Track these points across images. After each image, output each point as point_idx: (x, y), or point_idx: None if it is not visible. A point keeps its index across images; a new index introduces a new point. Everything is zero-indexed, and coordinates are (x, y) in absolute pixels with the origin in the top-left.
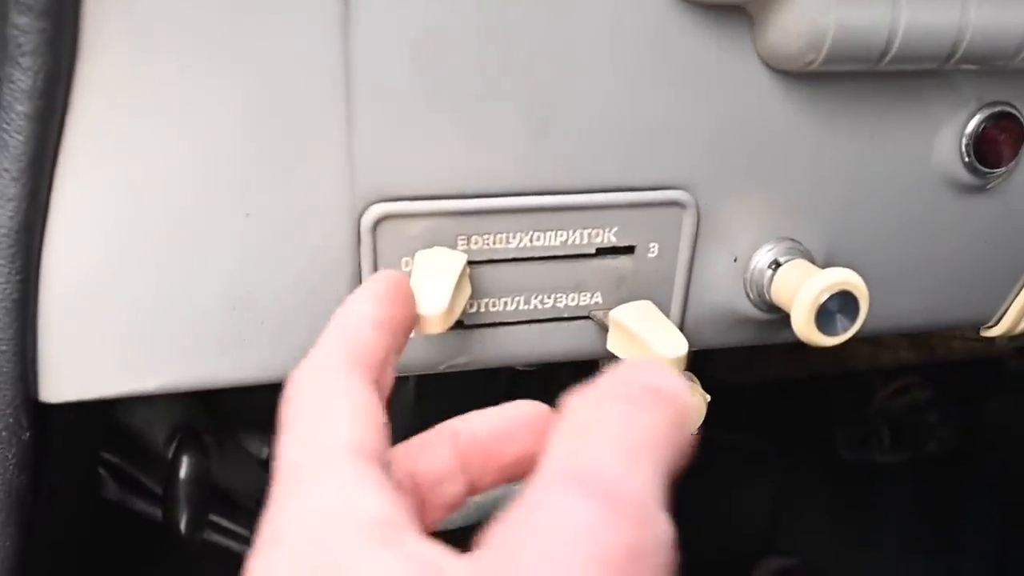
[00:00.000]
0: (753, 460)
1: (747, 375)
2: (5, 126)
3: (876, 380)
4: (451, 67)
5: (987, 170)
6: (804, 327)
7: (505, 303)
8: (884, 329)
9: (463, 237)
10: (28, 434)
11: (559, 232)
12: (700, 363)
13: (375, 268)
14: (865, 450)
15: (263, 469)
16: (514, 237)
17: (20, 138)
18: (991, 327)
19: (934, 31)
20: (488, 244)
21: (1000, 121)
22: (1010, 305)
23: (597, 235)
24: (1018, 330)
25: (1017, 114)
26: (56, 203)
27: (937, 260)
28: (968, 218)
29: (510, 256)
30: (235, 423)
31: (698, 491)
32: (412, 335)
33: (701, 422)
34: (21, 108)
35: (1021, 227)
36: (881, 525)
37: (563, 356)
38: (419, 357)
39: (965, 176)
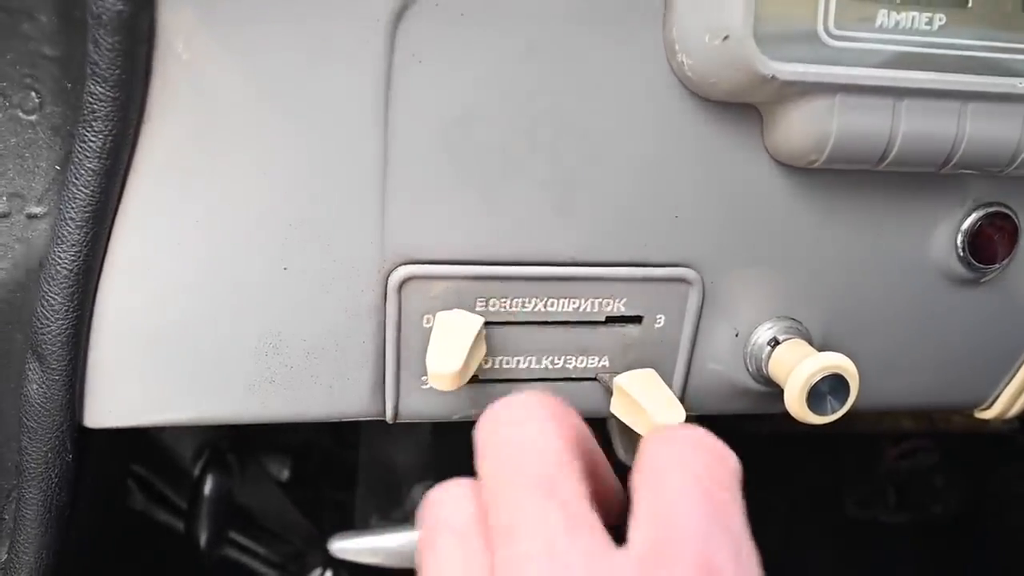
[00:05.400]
0: (759, 511)
1: (759, 426)
2: (75, 180)
3: (885, 441)
4: (480, 147)
5: (982, 266)
6: (796, 405)
7: (518, 362)
8: (879, 407)
9: (482, 299)
10: (71, 456)
11: (572, 300)
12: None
13: (399, 323)
14: (871, 509)
15: (283, 491)
16: (529, 302)
17: (87, 191)
18: (985, 409)
19: (931, 140)
20: (505, 307)
21: (995, 220)
22: (1003, 389)
23: (607, 304)
24: (1011, 413)
25: (1012, 214)
26: (113, 250)
27: (932, 346)
28: (963, 308)
29: (525, 319)
30: (259, 446)
31: None
32: (428, 387)
33: None
34: (90, 165)
35: (1015, 317)
36: None
37: None
38: (435, 407)
39: (961, 270)
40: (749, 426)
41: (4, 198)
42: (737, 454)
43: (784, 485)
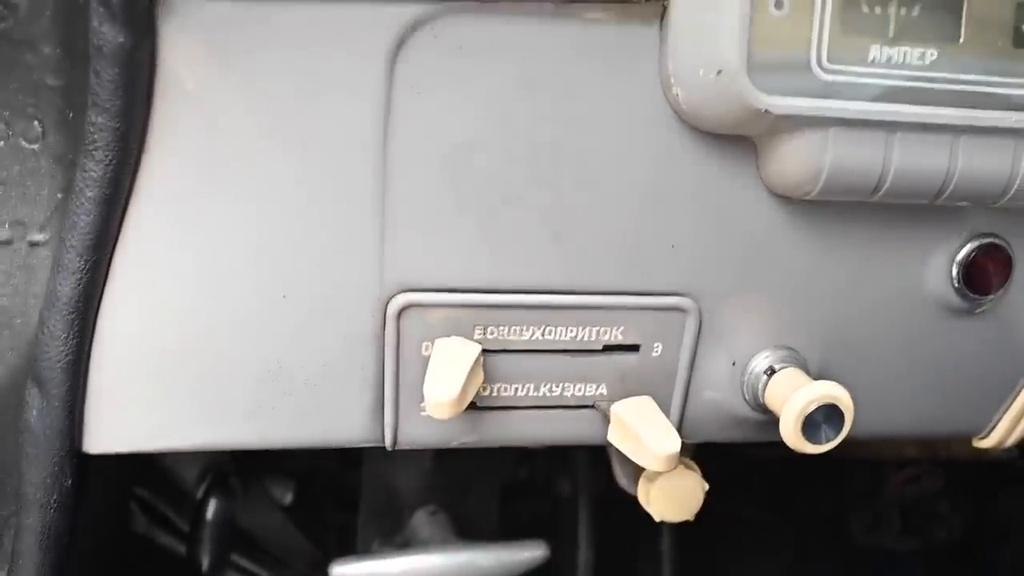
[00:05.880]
0: (766, 536)
1: (767, 450)
2: (76, 208)
3: (890, 466)
4: (477, 177)
5: (977, 296)
6: (791, 434)
7: (516, 389)
8: (876, 435)
9: (480, 327)
10: (70, 481)
11: (569, 328)
12: None
13: (398, 351)
14: (877, 534)
15: (286, 514)
16: (527, 330)
17: (88, 219)
18: (983, 438)
19: (923, 173)
20: (503, 335)
21: (989, 251)
22: (1000, 419)
23: (605, 333)
24: (1009, 442)
25: (1005, 245)
26: (113, 277)
27: (928, 375)
28: (959, 338)
29: (523, 347)
30: (263, 469)
31: (710, 562)
32: (427, 413)
33: (705, 497)
34: (91, 193)
35: (1010, 347)
36: None
37: (568, 441)
38: (434, 433)
39: (956, 301)
40: (754, 450)
41: (6, 226)
42: (743, 478)
43: (790, 509)
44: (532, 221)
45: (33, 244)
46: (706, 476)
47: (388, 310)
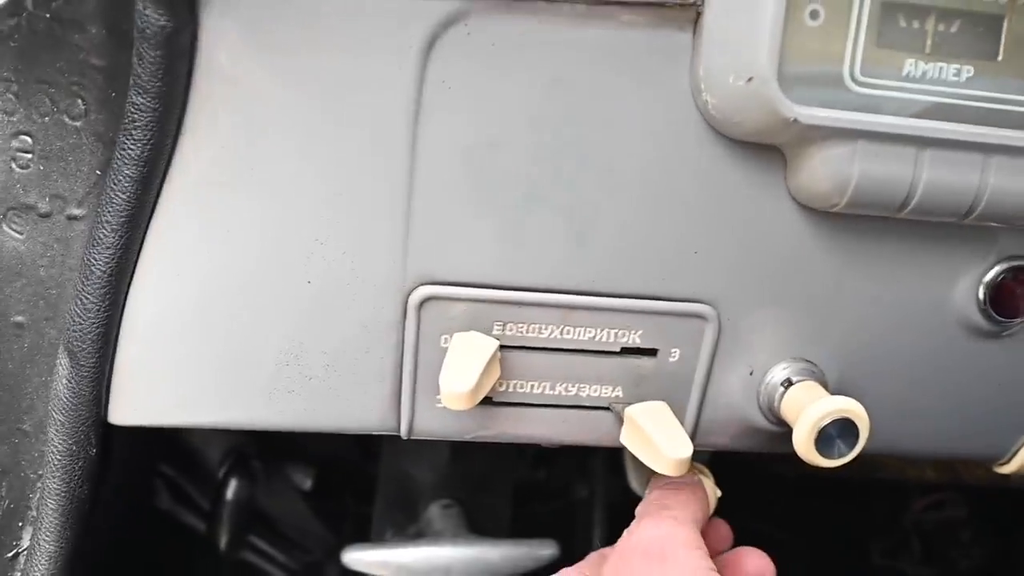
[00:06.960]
0: (778, 551)
1: (787, 467)
2: (113, 185)
3: (912, 492)
4: (503, 175)
5: (1004, 320)
6: (804, 447)
7: (532, 386)
8: (893, 452)
9: (499, 323)
10: (95, 450)
11: (588, 329)
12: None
13: (417, 342)
14: (896, 560)
15: (305, 501)
16: (546, 328)
17: (124, 196)
18: (1003, 464)
19: (953, 191)
20: (521, 332)
21: (1019, 274)
22: (1022, 445)
23: (623, 335)
24: None
25: None
26: (145, 255)
27: (949, 396)
28: (983, 360)
29: (540, 345)
30: (284, 454)
31: None
32: (444, 406)
33: (716, 508)
34: (128, 172)
35: None
36: None
37: (581, 441)
38: (449, 425)
39: (982, 323)
40: (777, 468)
41: (47, 199)
42: (763, 496)
43: (810, 530)
44: (556, 221)
45: (71, 218)
46: (720, 487)
47: (409, 301)
